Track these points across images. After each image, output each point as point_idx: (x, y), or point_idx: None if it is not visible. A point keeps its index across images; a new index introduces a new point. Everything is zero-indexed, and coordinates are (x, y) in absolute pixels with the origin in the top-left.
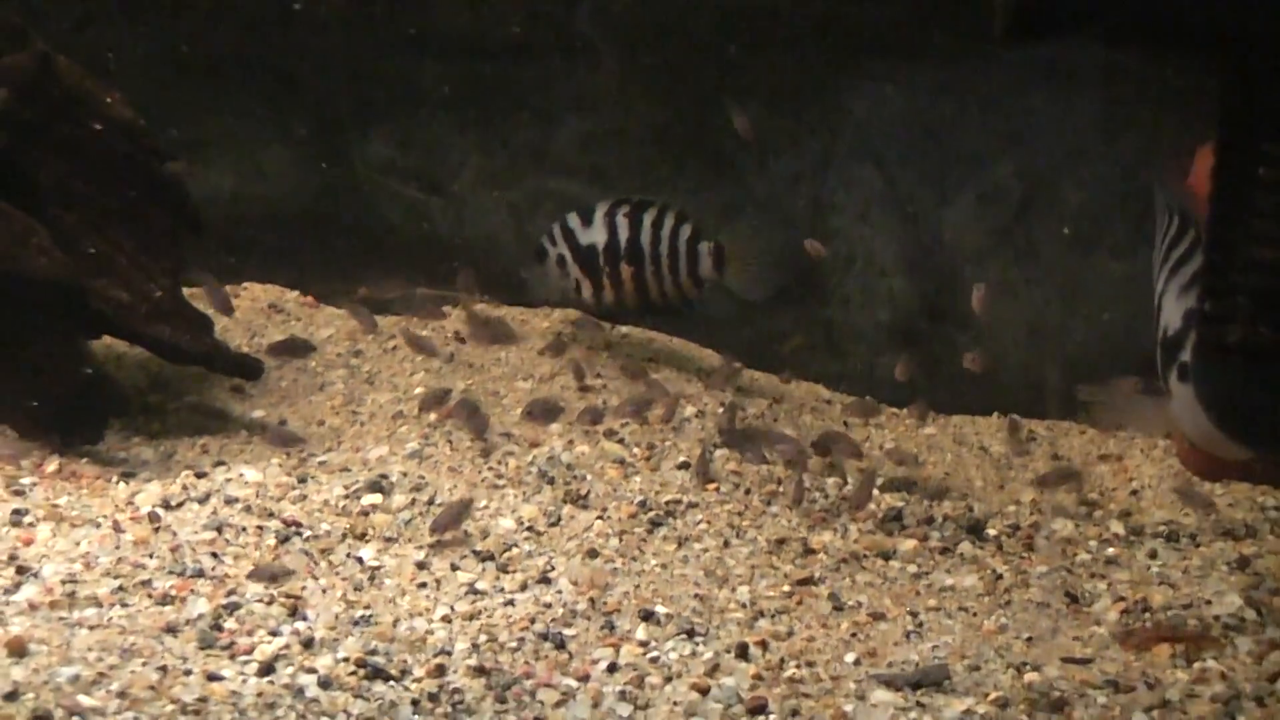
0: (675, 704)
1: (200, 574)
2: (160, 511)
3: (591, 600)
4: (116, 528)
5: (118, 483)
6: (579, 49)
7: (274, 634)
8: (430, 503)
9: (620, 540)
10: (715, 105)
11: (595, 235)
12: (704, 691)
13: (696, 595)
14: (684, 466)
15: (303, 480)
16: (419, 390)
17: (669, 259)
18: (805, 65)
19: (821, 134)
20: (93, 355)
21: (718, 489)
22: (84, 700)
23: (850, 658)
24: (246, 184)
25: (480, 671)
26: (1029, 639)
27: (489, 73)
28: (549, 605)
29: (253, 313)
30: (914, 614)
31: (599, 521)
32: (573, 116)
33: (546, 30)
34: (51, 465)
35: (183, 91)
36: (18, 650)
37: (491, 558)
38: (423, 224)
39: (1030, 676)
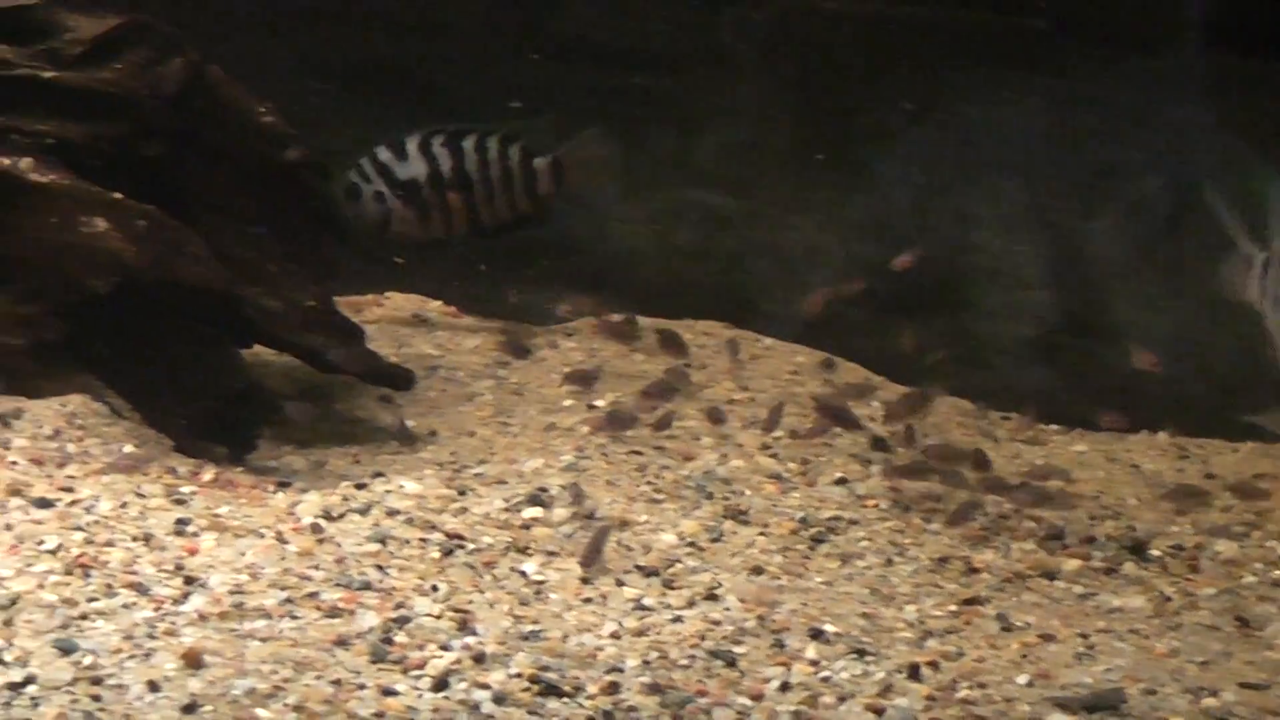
0: None
1: (367, 586)
2: (322, 522)
3: (759, 618)
4: (280, 538)
5: (275, 492)
6: (721, 60)
7: (445, 648)
8: (590, 516)
9: (783, 557)
10: (856, 116)
11: (413, 168)
12: (878, 712)
13: (863, 614)
14: (840, 482)
15: (462, 493)
16: (568, 403)
17: (501, 180)
18: (948, 77)
19: (964, 146)
20: (245, 364)
21: (877, 505)
22: (261, 714)
23: (1022, 679)
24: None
25: (654, 689)
26: (1202, 663)
27: (631, 83)
28: (717, 622)
29: (398, 323)
30: (1083, 635)
31: (761, 537)
32: (714, 127)
33: (689, 41)
34: (208, 474)
35: (320, 100)
36: (194, 662)
37: (656, 573)
38: (565, 236)
39: (1208, 702)
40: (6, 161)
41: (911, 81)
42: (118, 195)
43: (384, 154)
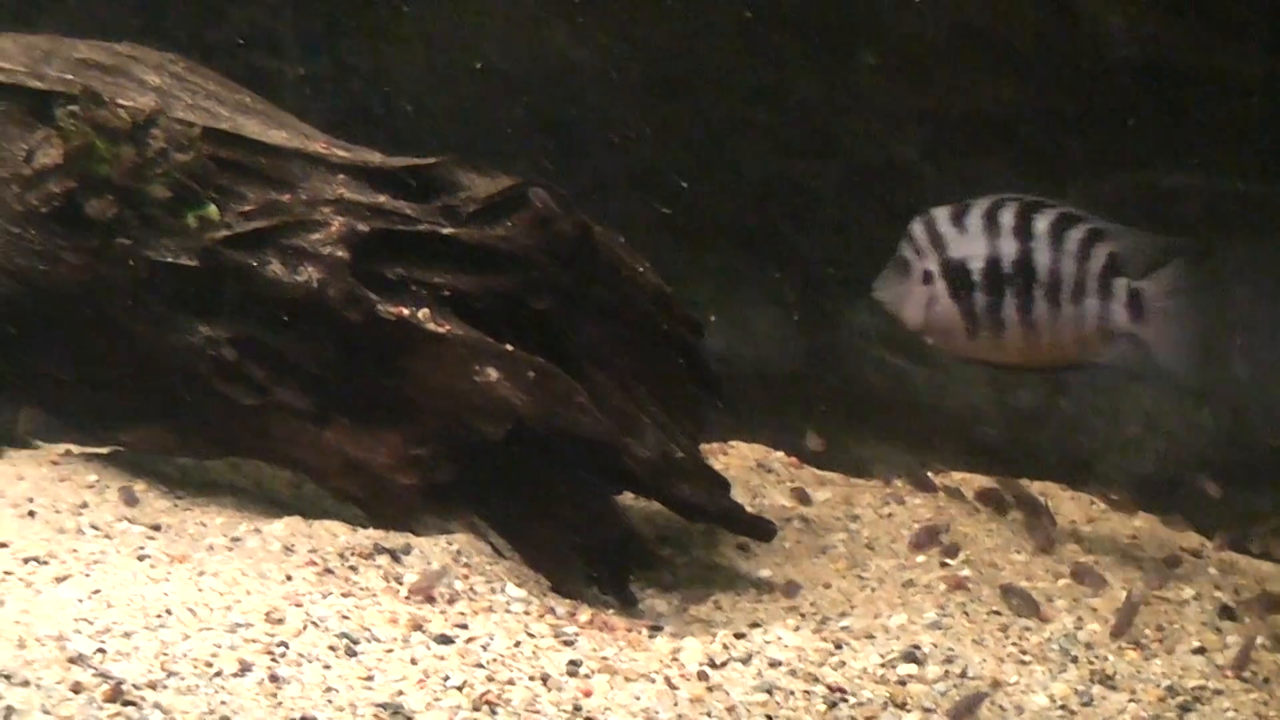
0: None
1: None
2: (708, 670)
3: None
4: (669, 684)
5: (651, 637)
6: None
7: None
8: (963, 675)
9: None
10: None
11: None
12: None
13: None
14: (1199, 651)
15: (839, 646)
16: (921, 559)
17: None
18: None
19: None
20: (621, 510)
21: (1239, 677)
22: None
23: None
24: (736, 344)
25: None
26: None
27: None
28: None
29: (745, 471)
30: None
31: (1132, 704)
32: None
33: None
34: (584, 614)
35: (678, 256)
36: None
37: None
38: (905, 391)
39: None
40: (406, 311)
41: None
42: (509, 346)
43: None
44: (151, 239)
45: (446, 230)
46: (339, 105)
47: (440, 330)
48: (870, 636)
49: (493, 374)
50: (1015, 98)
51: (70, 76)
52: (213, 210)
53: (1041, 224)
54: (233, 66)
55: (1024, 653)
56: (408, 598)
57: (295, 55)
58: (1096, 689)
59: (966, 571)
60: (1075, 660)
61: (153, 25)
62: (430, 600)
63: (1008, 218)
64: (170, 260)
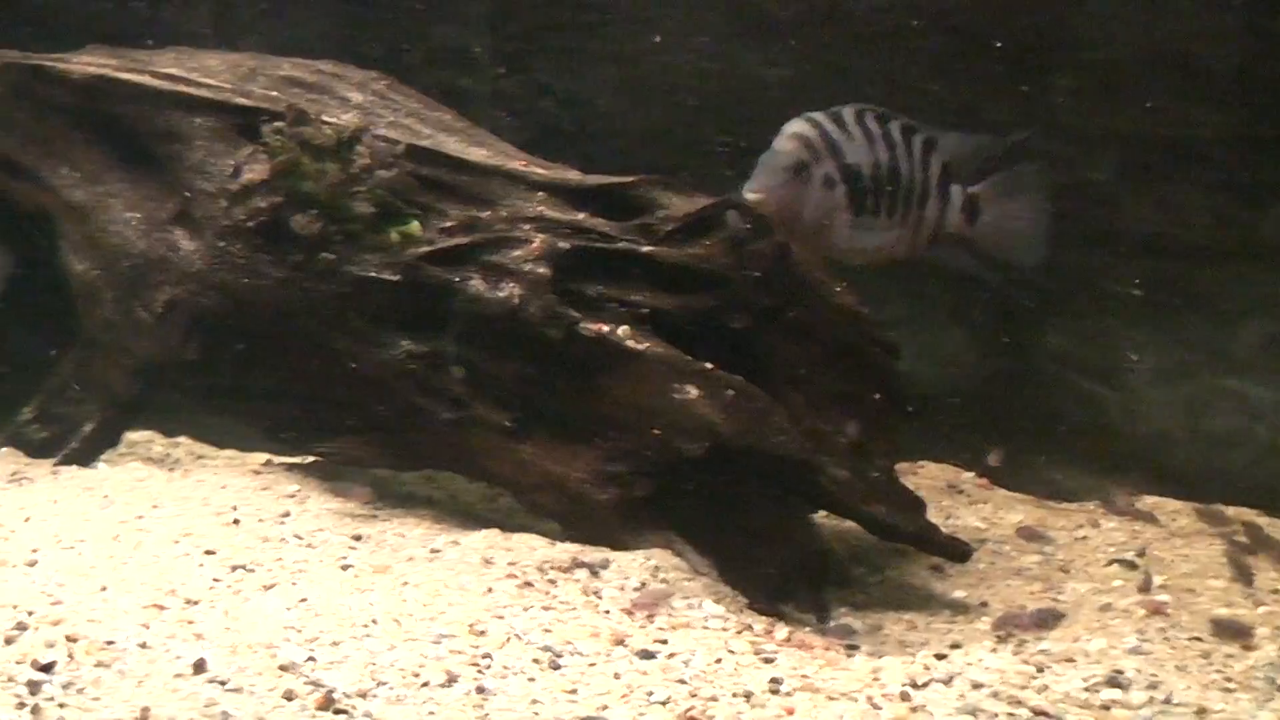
0: None
1: None
2: (910, 690)
3: None
4: (872, 703)
5: (849, 655)
6: (1266, 252)
7: None
8: (1167, 701)
9: None
10: None
11: (859, 151)
12: None
13: None
14: None
15: (1040, 669)
16: (1117, 582)
17: (919, 196)
18: None
19: None
20: (817, 528)
21: None
22: None
23: None
24: (925, 366)
25: None
26: None
27: (1171, 272)
28: None
29: (934, 492)
30: None
31: None
32: (1257, 319)
33: (1231, 232)
34: (781, 632)
35: (868, 276)
36: None
37: None
38: (1095, 416)
39: None
40: (605, 328)
41: None
42: (707, 365)
43: (828, 124)
44: (354, 254)
45: (645, 248)
46: (532, 123)
47: (640, 348)
48: (1070, 660)
49: (692, 392)
50: (1210, 121)
51: (275, 94)
52: (415, 226)
53: (896, 133)
54: (427, 83)
55: (1228, 680)
56: (607, 612)
57: (489, 73)
58: None
59: (1165, 597)
60: None
61: (350, 43)
62: (629, 614)
63: (875, 126)
64: (373, 275)
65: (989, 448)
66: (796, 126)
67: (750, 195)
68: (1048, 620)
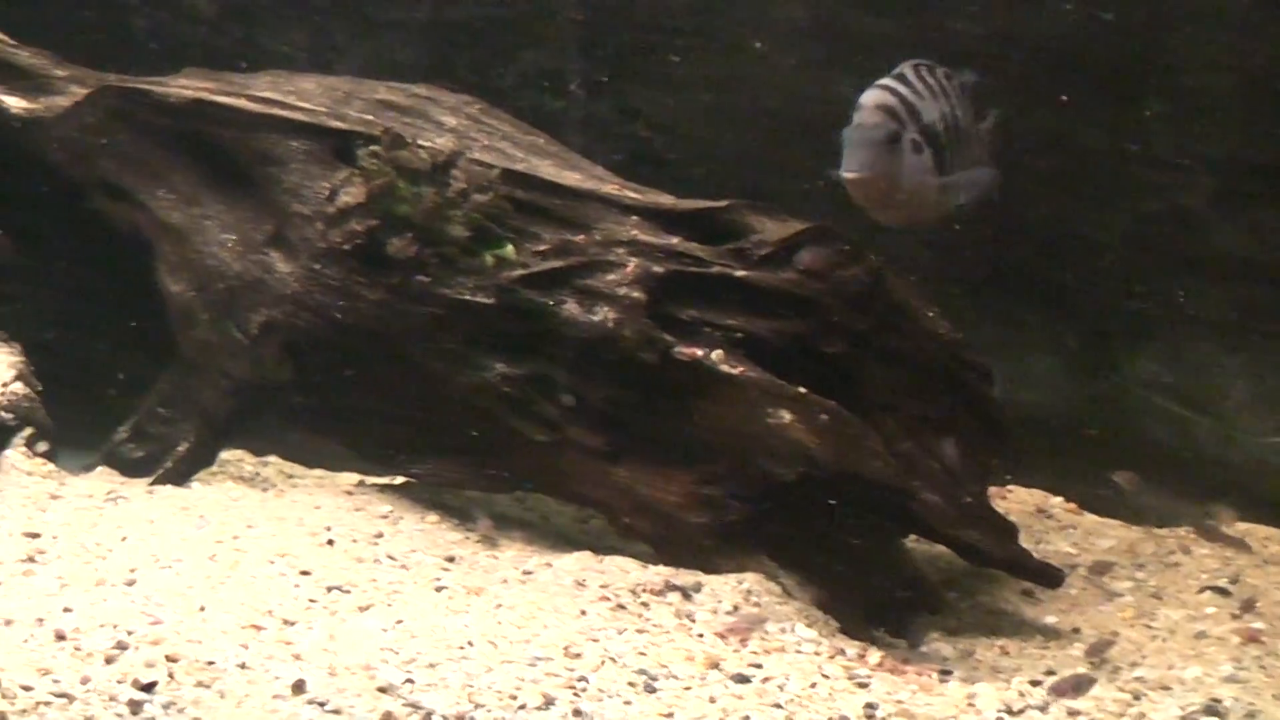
0: None
1: None
2: (1006, 716)
3: None
4: None
5: (941, 680)
6: None
7: None
8: None
9: None
10: None
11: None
12: None
13: None
14: None
15: (1136, 697)
16: (1211, 610)
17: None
18: None
19: None
20: (909, 553)
21: None
22: None
23: None
24: (1015, 390)
25: None
26: None
27: (1263, 297)
28: None
29: (1025, 516)
30: None
31: None
32: None
33: None
34: (874, 657)
35: (960, 300)
36: None
37: None
38: (1187, 442)
39: None
40: (699, 352)
41: None
42: (801, 389)
43: (902, 88)
44: (449, 277)
45: (739, 273)
46: (623, 147)
47: (734, 372)
48: (1166, 688)
49: (786, 416)
50: None
51: (370, 117)
52: (510, 250)
53: (945, 81)
54: (519, 107)
55: None
56: (700, 635)
57: (580, 97)
58: None
59: (1260, 624)
60: None
61: (443, 67)
62: (723, 638)
63: (931, 79)
64: (467, 298)
65: (1120, 470)
66: (877, 96)
67: (849, 176)
68: (1082, 685)
